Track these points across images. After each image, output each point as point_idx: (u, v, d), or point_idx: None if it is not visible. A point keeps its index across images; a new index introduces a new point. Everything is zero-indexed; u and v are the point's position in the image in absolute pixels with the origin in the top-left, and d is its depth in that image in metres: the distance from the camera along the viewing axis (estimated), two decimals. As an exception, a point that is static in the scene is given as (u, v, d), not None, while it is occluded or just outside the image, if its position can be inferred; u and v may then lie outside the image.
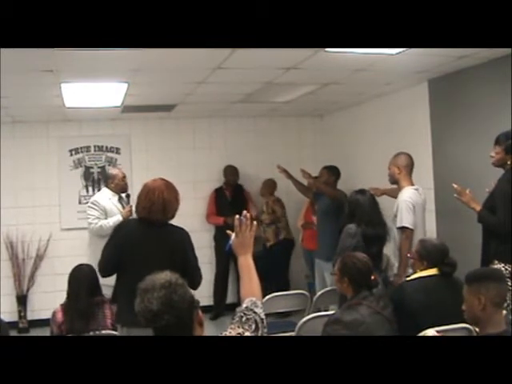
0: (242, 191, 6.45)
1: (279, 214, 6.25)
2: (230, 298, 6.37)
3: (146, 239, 3.07)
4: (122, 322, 3.06)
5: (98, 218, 4.67)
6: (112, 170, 5.07)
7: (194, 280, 2.98)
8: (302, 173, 5.37)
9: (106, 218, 4.67)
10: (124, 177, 4.93)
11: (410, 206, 3.95)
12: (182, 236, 3.16)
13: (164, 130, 6.50)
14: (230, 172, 6.42)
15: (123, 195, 4.94)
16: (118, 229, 3.26)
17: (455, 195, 3.50)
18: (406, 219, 3.93)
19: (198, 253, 3.19)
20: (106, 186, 4.97)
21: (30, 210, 6.03)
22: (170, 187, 3.15)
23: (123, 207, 4.80)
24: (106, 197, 4.83)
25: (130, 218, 3.29)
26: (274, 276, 5.75)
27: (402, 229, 3.95)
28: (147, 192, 3.10)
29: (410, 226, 3.93)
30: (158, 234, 3.08)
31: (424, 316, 2.83)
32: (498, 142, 3.37)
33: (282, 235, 6.23)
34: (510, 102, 3.62)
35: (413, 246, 3.83)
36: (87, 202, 5.04)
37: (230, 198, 6.37)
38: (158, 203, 3.05)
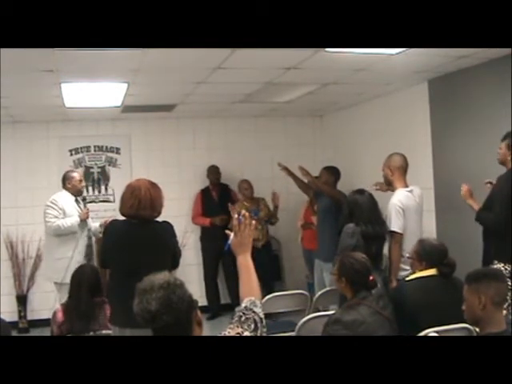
0: (228, 191, 6.38)
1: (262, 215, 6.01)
2: (223, 299, 6.37)
3: (135, 238, 3.05)
4: (114, 322, 3.07)
5: (56, 217, 4.69)
6: (70, 172, 5.06)
7: (178, 261, 3.24)
8: (300, 170, 5.34)
9: (63, 218, 4.69)
10: (81, 180, 4.96)
11: (400, 211, 3.91)
12: (169, 230, 3.17)
13: (164, 130, 6.49)
14: (212, 171, 6.34)
15: (79, 198, 4.95)
16: (107, 230, 3.24)
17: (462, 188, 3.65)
18: (394, 223, 3.90)
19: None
20: (63, 187, 4.93)
21: (30, 210, 6.00)
22: (154, 185, 3.13)
23: (81, 209, 4.83)
24: (64, 197, 4.84)
25: (115, 219, 3.26)
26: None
27: (391, 233, 3.93)
28: (132, 190, 3.06)
29: (399, 231, 3.90)
30: (147, 232, 3.07)
31: (424, 316, 2.84)
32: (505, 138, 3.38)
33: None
34: (510, 102, 3.62)
35: (403, 249, 3.84)
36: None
37: (217, 199, 6.28)
38: (146, 200, 3.02)
